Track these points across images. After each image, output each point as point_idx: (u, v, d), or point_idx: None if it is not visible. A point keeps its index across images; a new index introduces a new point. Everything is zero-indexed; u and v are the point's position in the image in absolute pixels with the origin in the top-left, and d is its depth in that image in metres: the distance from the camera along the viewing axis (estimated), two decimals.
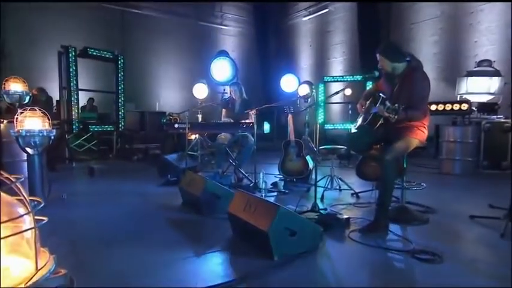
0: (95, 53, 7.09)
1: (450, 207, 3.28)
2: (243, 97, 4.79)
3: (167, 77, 10.58)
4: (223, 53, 6.91)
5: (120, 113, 7.14)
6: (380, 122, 2.79)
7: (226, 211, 2.78)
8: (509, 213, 2.41)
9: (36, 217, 0.75)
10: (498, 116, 5.33)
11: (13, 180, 0.74)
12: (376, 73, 2.88)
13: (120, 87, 7.23)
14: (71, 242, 2.39)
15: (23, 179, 0.77)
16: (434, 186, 4.08)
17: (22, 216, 0.70)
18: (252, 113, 3.98)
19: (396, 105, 2.43)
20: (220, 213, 2.92)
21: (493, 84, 5.60)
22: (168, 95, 10.51)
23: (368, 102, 3.04)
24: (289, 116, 4.43)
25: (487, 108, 5.41)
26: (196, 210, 3.09)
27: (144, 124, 8.41)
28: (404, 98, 2.65)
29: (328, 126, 8.07)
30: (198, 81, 6.52)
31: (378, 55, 2.76)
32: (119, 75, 7.25)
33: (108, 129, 7.20)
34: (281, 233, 2.08)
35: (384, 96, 2.81)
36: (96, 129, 6.98)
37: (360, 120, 3.19)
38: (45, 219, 0.78)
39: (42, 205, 0.77)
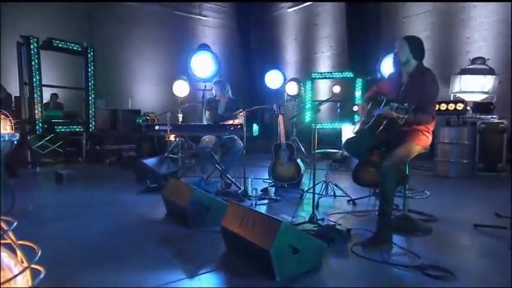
0: (60, 45, 6.80)
1: (452, 214, 3.33)
2: (229, 96, 4.69)
3: (140, 71, 10.29)
4: (205, 47, 6.78)
5: (90, 111, 6.88)
6: (382, 125, 2.78)
7: (216, 223, 2.70)
8: None
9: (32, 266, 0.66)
10: (493, 116, 5.49)
11: (4, 227, 0.64)
12: (379, 74, 2.88)
13: (90, 83, 6.96)
14: (40, 264, 2.25)
15: (15, 224, 0.67)
16: (432, 191, 4.14)
17: (19, 274, 0.61)
18: (242, 114, 3.90)
19: (406, 104, 2.41)
20: (210, 226, 2.85)
21: (487, 82, 5.76)
22: (141, 91, 10.23)
23: (369, 105, 3.02)
24: (280, 117, 4.38)
25: (482, 107, 5.56)
26: (183, 223, 3.00)
27: (116, 123, 8.15)
28: (413, 100, 2.64)
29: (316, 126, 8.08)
30: (177, 77, 6.36)
31: (400, 40, 2.76)
32: (89, 69, 6.98)
33: (77, 129, 6.93)
34: (284, 251, 2.03)
35: (388, 99, 2.82)
36: (63, 129, 6.69)
37: (359, 124, 3.18)
38: (42, 271, 0.69)
39: (39, 254, 0.68)
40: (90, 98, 6.97)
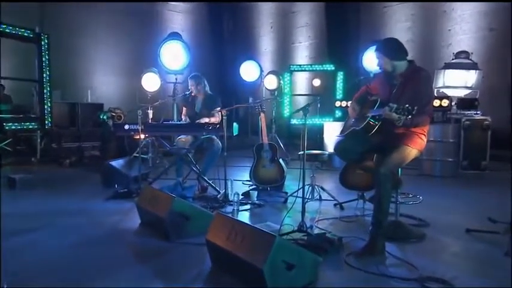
0: (7, 30, 6.39)
1: (442, 218, 3.44)
2: (207, 92, 4.61)
3: (100, 60, 9.87)
4: (175, 35, 6.61)
5: (46, 106, 6.54)
6: (376, 128, 2.80)
7: (197, 234, 2.72)
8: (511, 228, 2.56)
9: None
10: (476, 112, 5.71)
11: None
12: (372, 74, 2.90)
13: (45, 74, 6.61)
14: None
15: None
16: (420, 192, 4.22)
17: None
18: (224, 113, 3.83)
19: (407, 105, 2.43)
20: (191, 237, 2.82)
21: (471, 77, 5.97)
22: (101, 82, 9.83)
23: (359, 107, 3.04)
24: (262, 115, 4.35)
25: (466, 104, 5.76)
26: (161, 235, 2.92)
27: (75, 118, 7.83)
28: (408, 101, 2.67)
29: (294, 121, 8.12)
30: (147, 70, 6.16)
31: (376, 53, 2.78)
32: (44, 59, 6.62)
33: (31, 127, 6.57)
34: (278, 267, 2.01)
35: (381, 100, 2.85)
36: (13, 127, 6.32)
37: (346, 125, 3.21)
38: None
39: None
40: (45, 91, 6.61)
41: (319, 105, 7.61)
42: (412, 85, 2.72)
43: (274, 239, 2.01)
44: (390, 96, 2.83)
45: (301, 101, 9.73)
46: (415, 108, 2.40)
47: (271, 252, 1.97)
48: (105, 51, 9.81)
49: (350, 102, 3.24)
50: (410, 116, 2.42)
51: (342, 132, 3.18)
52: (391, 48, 2.77)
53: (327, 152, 4.13)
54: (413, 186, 4.50)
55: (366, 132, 2.83)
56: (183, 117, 4.71)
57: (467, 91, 6.09)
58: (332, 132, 6.45)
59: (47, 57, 6.71)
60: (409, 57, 2.86)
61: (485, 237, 2.88)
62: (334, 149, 3.05)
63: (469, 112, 5.71)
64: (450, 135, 5.46)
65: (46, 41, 6.73)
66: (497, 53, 7.11)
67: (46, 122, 6.59)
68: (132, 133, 4.15)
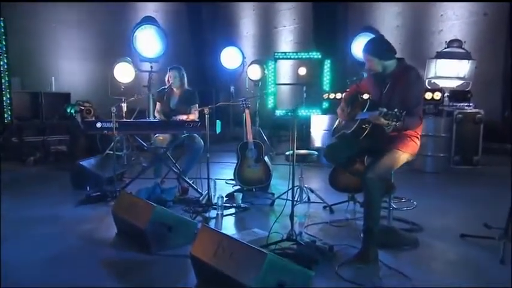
0: None
1: (436, 221, 3.54)
2: (185, 87, 4.55)
3: (65, 45, 9.55)
4: (149, 20, 6.45)
5: (5, 98, 6.31)
6: (366, 131, 2.84)
7: (180, 245, 2.78)
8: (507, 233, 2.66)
9: None
10: (468, 104, 5.84)
11: None
12: (365, 74, 2.93)
13: (2, 62, 6.37)
14: None
15: None
16: (411, 191, 4.31)
17: None
18: (206, 112, 3.79)
19: (396, 110, 2.46)
20: (174, 249, 2.81)
21: (463, 67, 6.09)
22: (67, 69, 9.51)
23: (349, 108, 3.07)
24: (246, 111, 4.33)
25: (459, 96, 5.88)
26: (141, 246, 2.89)
27: (37, 109, 7.57)
28: (398, 102, 2.72)
29: (279, 112, 8.11)
30: (120, 59, 6.00)
31: (364, 55, 2.80)
32: (0, 45, 6.37)
33: None
34: (268, 286, 2.02)
35: (371, 100, 2.88)
36: None
37: (336, 125, 3.25)
38: None
39: None
40: (3, 80, 6.37)
41: (305, 95, 7.63)
42: (401, 86, 2.77)
43: (265, 257, 2.02)
44: (381, 96, 2.87)
45: (286, 91, 9.73)
46: (403, 113, 2.43)
47: (262, 271, 1.98)
48: (71, 35, 9.49)
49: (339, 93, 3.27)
50: (398, 123, 2.45)
51: (333, 133, 3.21)
52: (380, 48, 2.81)
53: (316, 153, 4.15)
54: (404, 184, 4.58)
55: (356, 136, 2.87)
56: (156, 114, 4.62)
57: (460, 82, 6.22)
58: (320, 125, 6.49)
59: (3, 43, 6.45)
60: (398, 50, 2.89)
61: (480, 243, 2.97)
62: (324, 154, 3.09)
63: (461, 104, 5.85)
64: (442, 129, 5.59)
65: (1, 25, 6.47)
66: (490, 40, 7.25)
67: (5, 115, 6.37)
68: (106, 132, 4.05)
